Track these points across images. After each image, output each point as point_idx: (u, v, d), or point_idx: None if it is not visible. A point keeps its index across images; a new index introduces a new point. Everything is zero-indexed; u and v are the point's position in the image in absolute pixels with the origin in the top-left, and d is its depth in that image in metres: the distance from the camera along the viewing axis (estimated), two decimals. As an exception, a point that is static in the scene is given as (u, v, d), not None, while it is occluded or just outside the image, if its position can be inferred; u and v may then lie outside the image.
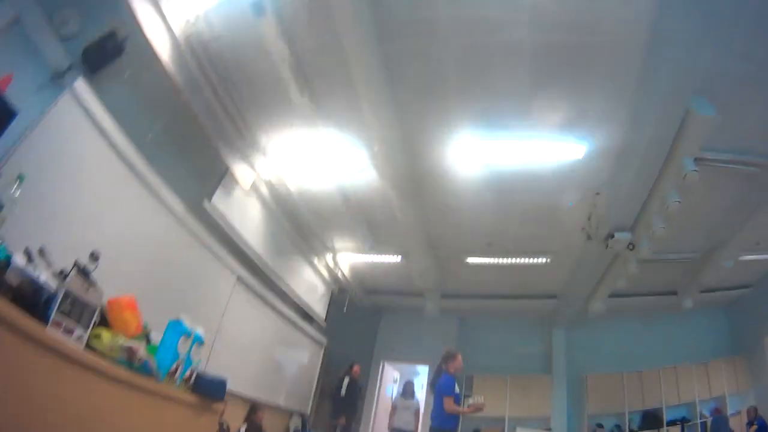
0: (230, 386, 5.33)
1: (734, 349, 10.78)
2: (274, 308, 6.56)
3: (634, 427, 9.70)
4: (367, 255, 7.56)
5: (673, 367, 10.13)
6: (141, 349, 1.99)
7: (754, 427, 7.44)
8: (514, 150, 5.16)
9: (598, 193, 5.78)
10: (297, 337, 7.49)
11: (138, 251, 3.81)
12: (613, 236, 6.25)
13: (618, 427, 9.72)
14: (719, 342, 10.97)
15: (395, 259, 7.52)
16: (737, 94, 4.83)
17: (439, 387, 5.26)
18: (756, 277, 9.90)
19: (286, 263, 6.78)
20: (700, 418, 9.49)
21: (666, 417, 9.65)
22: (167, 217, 4.22)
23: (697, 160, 5.22)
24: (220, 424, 4.66)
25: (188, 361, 2.23)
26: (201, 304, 4.82)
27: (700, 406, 9.64)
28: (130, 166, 3.65)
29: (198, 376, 2.23)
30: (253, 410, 5.75)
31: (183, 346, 2.22)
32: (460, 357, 5.42)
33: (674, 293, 9.63)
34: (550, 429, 9.37)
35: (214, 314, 5.10)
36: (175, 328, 2.26)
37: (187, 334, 2.27)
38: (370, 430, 9.06)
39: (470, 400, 5.52)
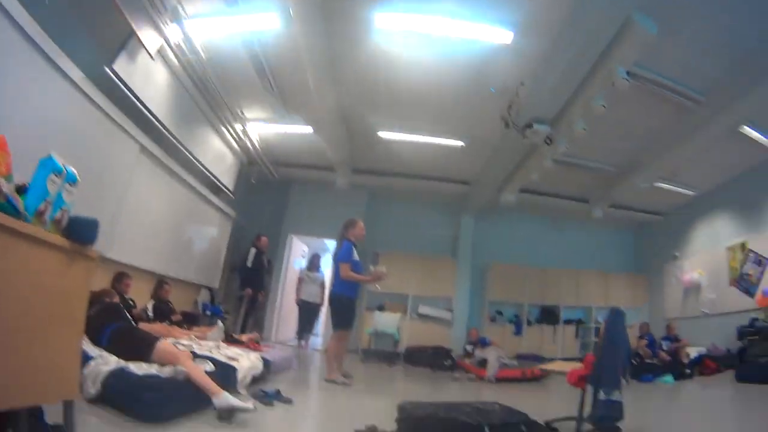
0: (137, 262, 5.20)
1: (635, 268, 11.82)
2: (180, 180, 6.21)
3: (532, 319, 10.53)
4: (278, 125, 7.25)
5: (575, 271, 10.99)
6: (4, 185, 1.70)
7: (645, 341, 8.14)
8: (439, 26, 4.88)
9: (522, 84, 5.69)
10: (205, 209, 7.24)
11: (30, 121, 3.42)
12: (531, 127, 6.23)
13: (516, 317, 10.52)
14: (623, 258, 11.99)
15: (307, 130, 7.21)
16: (687, 26, 4.90)
17: (336, 254, 5.30)
18: (668, 208, 10.66)
19: (194, 133, 6.37)
20: (594, 323, 10.49)
21: (562, 316, 10.57)
22: (63, 84, 3.76)
23: (629, 73, 5.25)
24: (126, 300, 4.50)
25: (59, 200, 1.94)
26: (102, 176, 4.42)
27: (596, 313, 10.64)
28: (21, 30, 3.22)
29: (70, 219, 1.95)
30: (160, 285, 5.57)
31: (53, 185, 1.93)
32: (361, 224, 5.46)
33: (586, 201, 10.14)
34: (451, 310, 9.91)
35: (116, 187, 4.74)
36: (46, 165, 1.94)
37: (58, 171, 1.96)
38: (277, 302, 9.21)
39: (372, 269, 5.45)
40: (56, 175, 1.96)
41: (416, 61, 5.56)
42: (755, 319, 7.38)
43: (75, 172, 2.07)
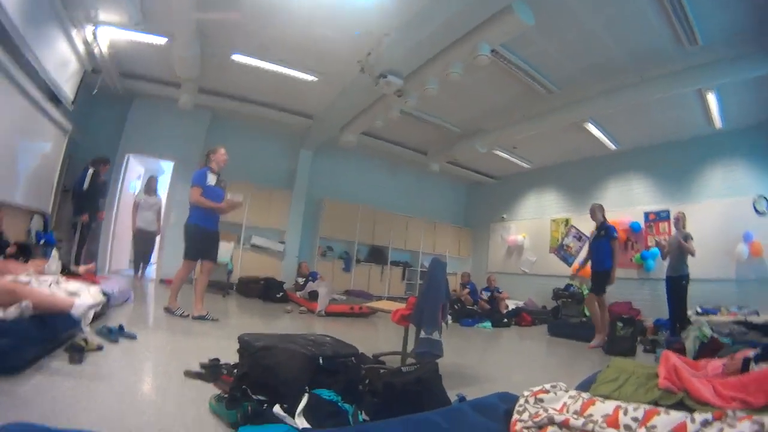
0: None
1: (464, 222, 12.96)
2: (15, 83, 5.31)
3: (361, 257, 11.07)
4: (131, 32, 6.53)
5: (407, 216, 11.72)
6: None
7: (467, 289, 8.99)
8: None
9: (387, 34, 5.80)
10: (39, 120, 6.29)
11: None
12: (386, 77, 6.41)
13: (347, 253, 11.00)
14: (453, 211, 13.07)
15: (160, 40, 6.67)
16: (562, 27, 5.41)
17: (191, 179, 5.07)
18: (502, 174, 11.83)
19: (39, 30, 5.43)
20: (420, 267, 11.43)
21: (390, 257, 11.28)
22: None
23: (493, 51, 5.64)
24: None
25: None
26: None
27: (422, 258, 11.58)
28: None
29: None
30: None
31: None
32: (222, 150, 5.27)
33: (425, 153, 10.75)
34: (283, 242, 10.08)
35: None
36: None
37: None
38: (111, 229, 8.60)
39: (228, 196, 5.22)
40: None
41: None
42: (570, 285, 8.78)
43: None
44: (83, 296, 3.55)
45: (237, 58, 7.21)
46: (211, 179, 5.13)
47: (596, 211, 6.62)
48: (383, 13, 5.47)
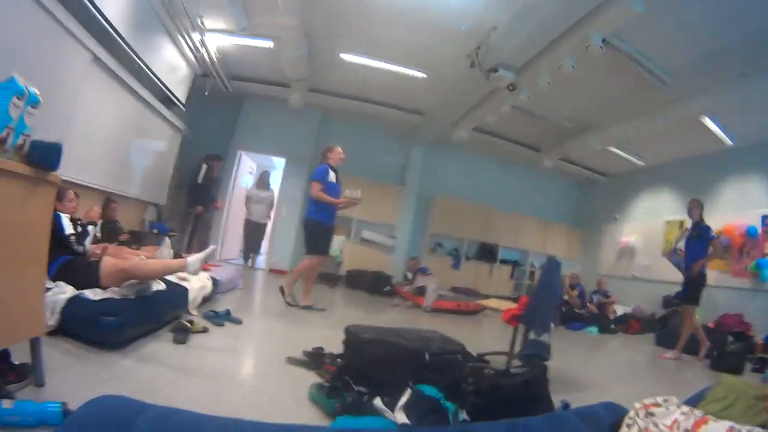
0: (83, 179, 4.93)
1: (575, 221, 12.32)
2: (132, 91, 5.82)
3: (470, 254, 10.89)
4: (238, 37, 6.84)
5: (518, 214, 11.35)
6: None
7: (576, 291, 8.55)
8: None
9: (495, 28, 5.59)
10: (155, 123, 6.87)
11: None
12: (497, 71, 6.20)
13: (456, 250, 10.83)
14: (564, 210, 12.44)
15: (267, 44, 6.90)
16: (673, 12, 4.94)
17: (310, 175, 5.21)
18: (615, 171, 11.08)
19: (149, 42, 5.91)
20: (530, 267, 11.08)
21: (500, 255, 11.00)
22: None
23: (605, 41, 5.27)
24: (76, 221, 4.28)
25: (21, 125, 1.86)
26: (50, 87, 3.95)
27: (532, 257, 11.19)
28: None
29: (32, 144, 1.88)
30: (107, 204, 5.38)
31: (15, 110, 1.83)
32: (339, 149, 5.38)
33: (538, 150, 10.31)
34: (395, 237, 10.12)
35: (65, 100, 4.36)
36: (8, 88, 1.83)
37: (20, 92, 1.86)
38: (223, 220, 9.07)
39: (347, 192, 5.34)
40: (18, 98, 1.85)
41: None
42: (680, 293, 8.06)
43: (37, 92, 1.97)
44: (191, 282, 3.74)
45: (345, 56, 7.29)
46: (331, 176, 5.25)
47: (694, 208, 5.95)
48: (490, 5, 5.30)
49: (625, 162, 10.04)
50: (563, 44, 5.57)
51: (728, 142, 7.84)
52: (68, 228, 3.14)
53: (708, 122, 7.18)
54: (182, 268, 2.73)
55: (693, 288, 5.76)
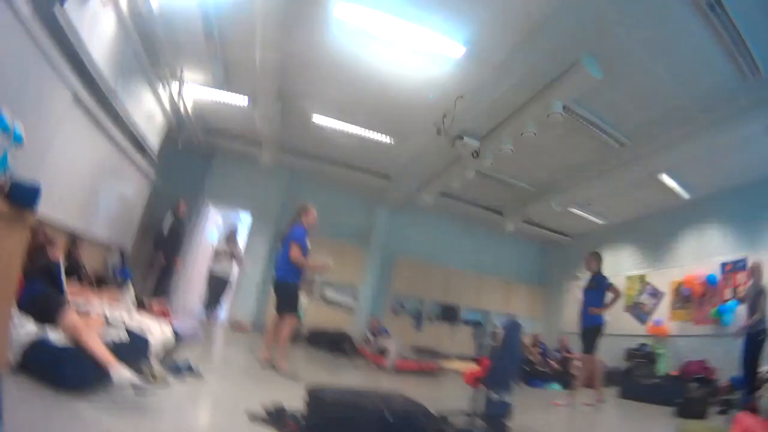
0: (52, 214, 4.82)
1: (538, 280, 12.52)
2: (107, 133, 5.78)
3: (432, 315, 10.94)
4: (215, 92, 7.05)
5: (480, 275, 11.50)
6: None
7: (539, 349, 8.70)
8: (396, 29, 4.88)
9: (461, 97, 5.89)
10: (125, 167, 6.78)
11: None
12: (462, 138, 6.49)
13: (418, 311, 10.87)
14: (527, 270, 12.64)
15: (242, 101, 7.12)
16: (628, 76, 5.30)
17: (288, 235, 5.09)
18: (577, 231, 11.42)
19: (129, 86, 5.95)
20: (492, 327, 10.87)
21: (462, 316, 11.07)
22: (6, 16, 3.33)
23: (565, 108, 5.60)
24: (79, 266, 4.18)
25: (3, 162, 1.89)
26: (29, 123, 3.99)
27: (494, 317, 11.20)
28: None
29: (13, 183, 1.90)
30: (74, 243, 5.26)
31: (-1, 146, 1.87)
32: (314, 211, 5.33)
33: (500, 213, 10.63)
34: (356, 298, 10.16)
35: (43, 137, 4.25)
36: (-7, 122, 1.87)
37: (5, 129, 1.90)
38: (188, 271, 8.96)
39: (318, 258, 5.37)
40: (2, 134, 1.90)
41: (365, 57, 5.61)
42: (644, 345, 8.27)
43: (22, 130, 2.01)
44: (154, 331, 3.66)
45: (317, 118, 7.53)
46: (307, 238, 5.19)
47: (591, 261, 6.22)
48: (457, 75, 5.58)
49: (586, 222, 10.40)
50: (526, 112, 5.88)
51: (685, 195, 8.21)
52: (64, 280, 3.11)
53: (665, 178, 7.54)
54: (112, 369, 2.63)
55: (590, 337, 5.94)
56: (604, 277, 6.11)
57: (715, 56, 4.81)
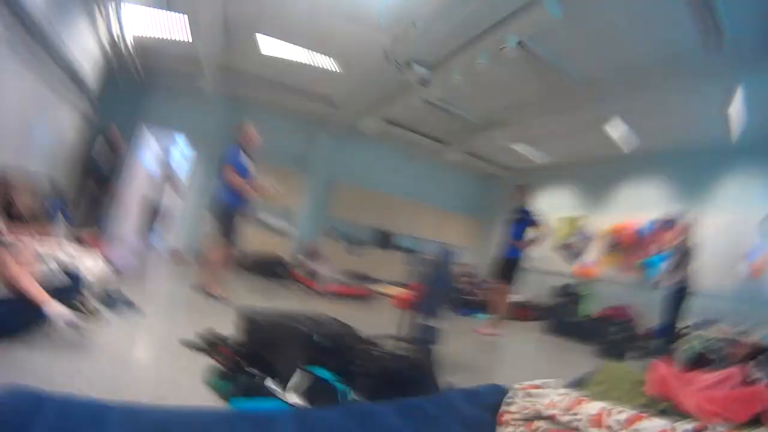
0: None
1: (472, 212, 12.79)
2: (40, 67, 5.25)
3: (366, 240, 11.08)
4: (153, 11, 6.49)
5: (417, 203, 11.69)
6: None
7: (467, 278, 9.07)
8: None
9: (414, 24, 5.71)
10: (59, 102, 6.23)
11: None
12: (411, 66, 6.38)
13: (353, 236, 10.96)
14: (464, 201, 12.89)
15: (183, 19, 6.60)
16: (589, 21, 5.26)
17: (222, 157, 4.93)
18: (517, 166, 11.61)
19: (63, 15, 5.42)
20: (425, 255, 11.34)
21: (397, 242, 11.24)
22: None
23: (520, 43, 5.52)
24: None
25: None
26: None
27: (428, 246, 11.38)
28: None
29: None
30: (3, 180, 4.90)
31: None
32: (252, 130, 5.13)
33: (442, 142, 10.65)
34: (290, 221, 10.07)
35: None
36: None
37: None
38: (123, 200, 8.59)
39: (263, 181, 5.19)
40: None
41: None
42: (568, 285, 8.80)
43: None
44: (87, 263, 3.58)
45: (261, 37, 7.15)
46: (243, 158, 5.00)
47: (518, 192, 6.39)
48: (409, 1, 5.42)
49: (528, 160, 10.69)
50: (479, 44, 5.79)
51: (624, 149, 8.56)
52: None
53: (612, 127, 7.74)
54: (45, 305, 2.54)
55: (507, 268, 6.23)
56: (530, 212, 6.26)
57: (681, 18, 4.82)
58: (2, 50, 4.52)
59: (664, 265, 6.74)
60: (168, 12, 6.55)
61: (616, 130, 7.86)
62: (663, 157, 8.56)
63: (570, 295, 8.72)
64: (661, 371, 2.02)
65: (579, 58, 6.23)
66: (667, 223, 7.94)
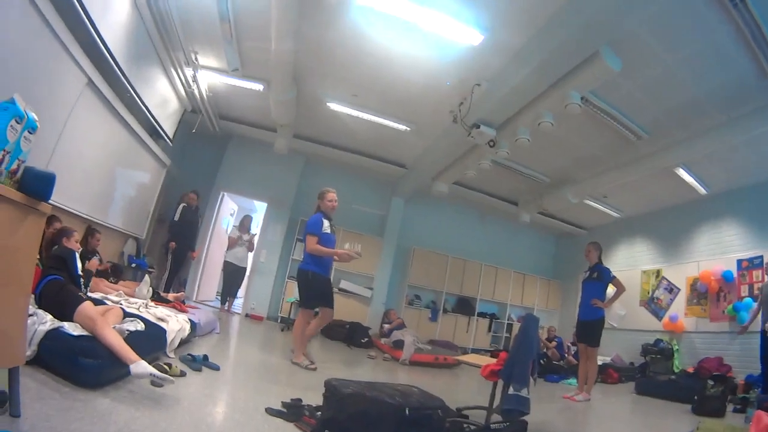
0: (67, 204, 4.81)
1: (553, 273, 12.40)
2: (121, 120, 5.76)
3: (448, 307, 10.81)
4: (229, 77, 6.91)
5: (495, 267, 11.37)
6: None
7: (554, 342, 8.59)
8: (416, 14, 4.73)
9: (478, 84, 5.78)
10: (141, 154, 6.78)
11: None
12: (478, 127, 6.34)
13: (434, 303, 10.77)
14: (542, 263, 12.54)
15: (257, 86, 7.01)
16: (646, 69, 5.20)
17: (305, 226, 4.95)
18: (592, 225, 11.34)
19: (144, 72, 5.92)
20: (507, 319, 11.06)
21: (478, 308, 10.95)
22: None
23: (583, 99, 5.50)
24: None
25: (17, 150, 1.84)
26: (41, 107, 3.87)
27: (510, 310, 11.18)
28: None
29: (26, 171, 1.86)
30: (90, 233, 5.24)
31: (13, 133, 1.81)
32: (332, 194, 5.13)
33: (515, 204, 10.51)
34: (371, 288, 10.01)
35: (55, 122, 4.26)
36: (8, 110, 1.82)
37: (20, 116, 1.85)
38: (202, 261, 8.93)
39: (347, 246, 5.15)
40: (17, 122, 1.84)
41: (383, 43, 5.50)
42: (660, 340, 8.17)
43: (36, 118, 1.96)
44: (170, 323, 3.64)
45: (332, 105, 7.41)
46: (326, 225, 5.02)
47: (591, 251, 6.10)
48: (474, 63, 5.48)
49: (602, 215, 10.30)
50: (543, 102, 5.76)
51: (702, 191, 8.10)
52: (79, 268, 3.14)
53: (682, 173, 7.43)
54: (132, 363, 2.59)
55: (591, 330, 5.89)
56: (607, 269, 6.02)
57: (735, 53, 4.69)
58: (92, 102, 4.91)
59: (755, 307, 6.23)
60: (244, 81, 6.97)
61: (687, 175, 7.55)
62: (736, 197, 7.98)
63: (661, 352, 8.08)
64: (764, 422, 1.77)
65: (640, 108, 6.11)
66: (753, 262, 7.30)
